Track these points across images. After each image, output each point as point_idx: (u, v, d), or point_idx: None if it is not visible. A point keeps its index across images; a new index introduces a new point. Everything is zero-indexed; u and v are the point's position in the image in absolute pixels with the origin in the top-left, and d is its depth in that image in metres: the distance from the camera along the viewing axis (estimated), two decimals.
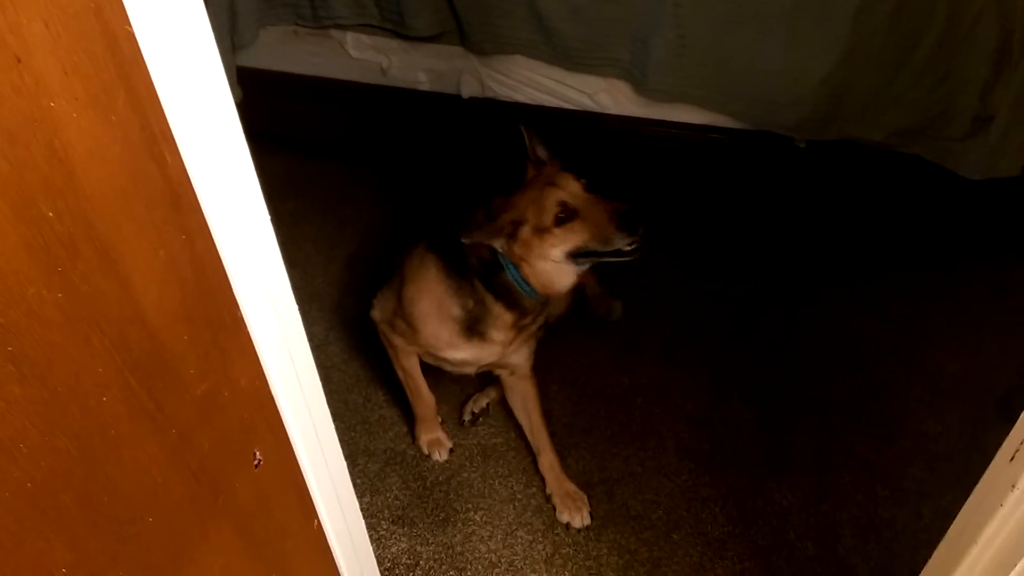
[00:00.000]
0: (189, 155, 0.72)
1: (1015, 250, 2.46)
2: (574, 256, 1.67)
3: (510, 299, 1.76)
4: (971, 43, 2.04)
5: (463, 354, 1.89)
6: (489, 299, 1.77)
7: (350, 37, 2.57)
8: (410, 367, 2.01)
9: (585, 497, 1.94)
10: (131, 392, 0.67)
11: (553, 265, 1.69)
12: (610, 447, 2.08)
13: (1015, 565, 0.80)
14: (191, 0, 0.70)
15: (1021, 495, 0.78)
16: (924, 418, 2.10)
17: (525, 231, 1.65)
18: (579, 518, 1.90)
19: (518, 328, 1.84)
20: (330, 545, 1.18)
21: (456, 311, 1.80)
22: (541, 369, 2.10)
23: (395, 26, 2.46)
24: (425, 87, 2.60)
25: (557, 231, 1.64)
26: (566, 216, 1.64)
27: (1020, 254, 2.43)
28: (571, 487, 1.95)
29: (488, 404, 2.18)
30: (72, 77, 0.57)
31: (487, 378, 2.21)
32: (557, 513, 1.92)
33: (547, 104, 2.49)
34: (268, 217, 0.92)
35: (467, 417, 2.15)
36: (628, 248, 1.64)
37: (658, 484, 1.99)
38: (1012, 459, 0.80)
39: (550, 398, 2.18)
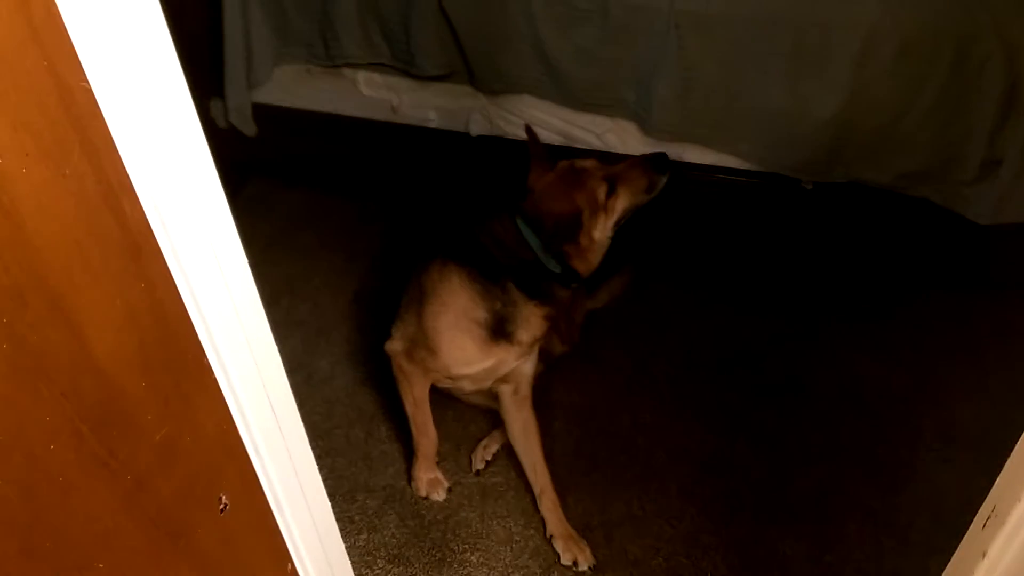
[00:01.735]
0: (150, 205, 0.73)
1: None
2: (617, 222, 1.83)
3: (545, 295, 1.80)
4: (978, 87, 2.03)
5: (485, 364, 1.87)
6: (521, 299, 1.79)
7: (362, 76, 2.61)
8: (421, 398, 1.99)
9: (584, 541, 1.91)
10: (82, 439, 0.68)
11: (603, 241, 1.83)
12: (611, 488, 2.05)
13: None
14: (157, 52, 0.71)
15: (991, 564, 0.76)
16: (933, 467, 2.05)
17: (585, 218, 1.75)
18: (583, 558, 1.87)
19: (547, 320, 1.85)
20: None
21: (482, 315, 1.80)
22: (543, 406, 2.09)
23: (406, 65, 2.50)
24: (435, 125, 2.63)
25: (609, 204, 1.79)
26: (609, 189, 1.78)
27: None
28: (572, 531, 1.93)
29: (499, 449, 2.16)
30: (22, 133, 0.59)
31: (493, 420, 2.20)
32: (561, 556, 1.89)
33: (555, 143, 2.50)
34: (244, 261, 0.93)
35: (480, 465, 2.12)
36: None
37: (659, 529, 1.96)
38: (984, 526, 0.78)
39: (552, 436, 2.16)
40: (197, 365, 0.83)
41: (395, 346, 1.97)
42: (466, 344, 1.84)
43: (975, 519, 0.82)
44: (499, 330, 1.81)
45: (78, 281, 0.66)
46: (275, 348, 1.01)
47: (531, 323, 1.82)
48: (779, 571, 1.86)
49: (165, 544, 0.81)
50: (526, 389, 2.01)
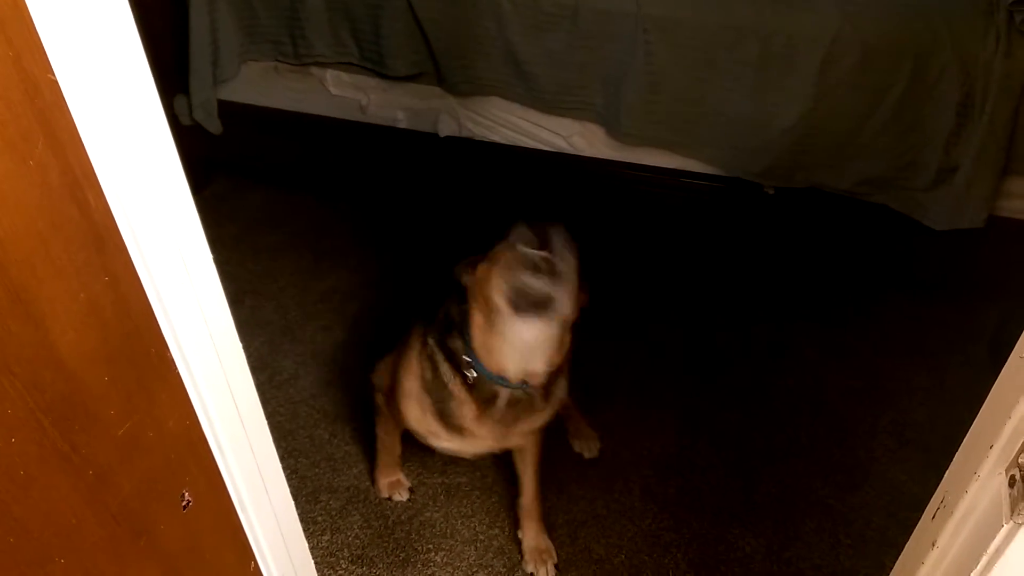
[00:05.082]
0: (114, 198, 0.72)
1: (982, 298, 2.48)
2: (515, 303, 1.41)
3: (485, 394, 1.55)
4: (935, 96, 2.09)
5: (447, 444, 1.72)
6: (445, 369, 1.56)
7: (330, 75, 2.60)
8: (392, 432, 1.94)
9: (554, 552, 1.90)
10: (43, 433, 0.68)
11: (496, 318, 1.44)
12: (576, 489, 2.07)
13: None
14: (123, 45, 0.71)
15: (941, 553, 0.78)
16: (888, 466, 2.10)
17: (481, 267, 1.50)
18: (544, 571, 1.86)
19: (492, 420, 1.58)
20: None
21: (427, 400, 1.64)
22: None
23: (374, 65, 2.50)
24: (403, 125, 2.63)
25: (490, 264, 1.47)
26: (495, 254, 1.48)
27: (987, 302, 2.45)
28: (546, 542, 1.90)
29: None
30: None
31: None
32: (523, 562, 1.89)
33: (523, 145, 2.52)
34: (209, 257, 0.93)
35: None
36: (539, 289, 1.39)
37: (621, 528, 1.98)
38: (934, 517, 0.80)
39: None
40: (160, 360, 0.82)
41: (376, 380, 1.92)
42: (424, 418, 1.69)
43: (926, 511, 0.84)
44: (443, 415, 1.63)
45: (40, 273, 0.65)
46: (239, 345, 1.01)
47: (466, 413, 1.59)
48: (739, 568, 1.89)
49: (126, 540, 0.81)
50: (530, 456, 1.87)
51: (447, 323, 1.58)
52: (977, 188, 2.12)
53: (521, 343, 1.47)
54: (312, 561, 1.40)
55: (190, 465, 0.90)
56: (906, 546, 0.89)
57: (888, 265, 2.52)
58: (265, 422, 1.11)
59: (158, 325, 0.81)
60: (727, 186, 2.41)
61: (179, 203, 0.84)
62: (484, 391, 1.55)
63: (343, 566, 1.90)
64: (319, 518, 2.00)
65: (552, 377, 1.59)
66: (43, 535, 0.70)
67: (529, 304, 1.40)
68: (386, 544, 1.95)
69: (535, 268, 1.38)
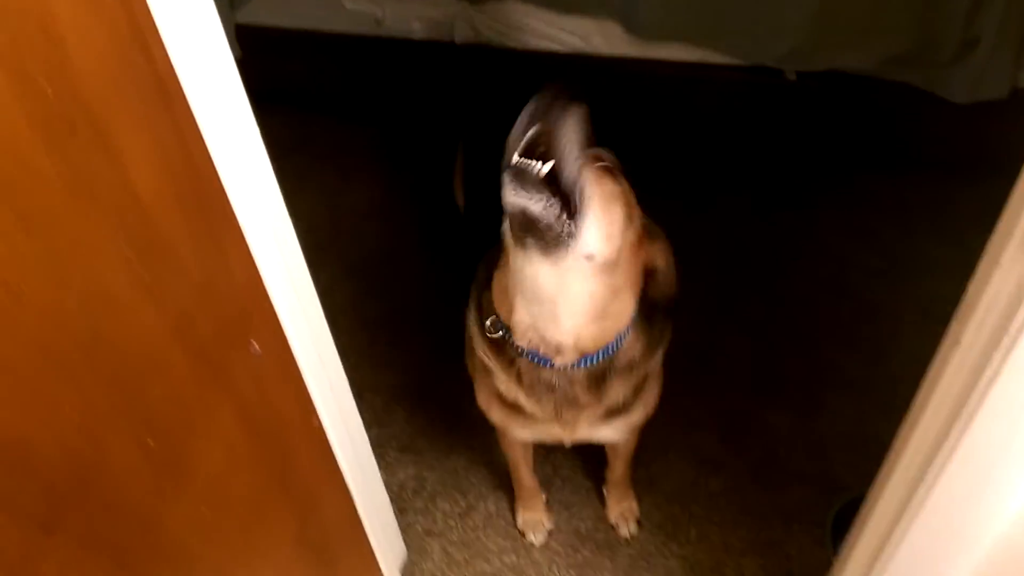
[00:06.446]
0: (175, 52, 0.77)
1: (1007, 174, 2.47)
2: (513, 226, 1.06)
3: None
4: None
5: (516, 428, 1.44)
6: (475, 331, 1.27)
7: None
8: (510, 444, 1.69)
9: (637, 509, 1.84)
10: (129, 264, 0.74)
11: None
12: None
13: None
14: None
15: (965, 350, 0.84)
16: (915, 340, 2.12)
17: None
18: (625, 528, 1.82)
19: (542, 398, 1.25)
20: (332, 446, 1.25)
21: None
22: None
23: None
24: (419, 36, 2.63)
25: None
26: None
27: (1012, 178, 2.45)
28: (633, 505, 1.84)
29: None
30: None
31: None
32: (608, 511, 1.83)
33: (541, 48, 2.52)
34: (253, 119, 0.98)
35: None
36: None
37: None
38: (959, 321, 0.85)
39: None
40: (223, 213, 0.88)
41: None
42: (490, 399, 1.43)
43: (951, 320, 0.89)
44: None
45: (118, 115, 0.71)
46: (285, 211, 1.06)
47: (507, 379, 1.30)
48: (767, 438, 1.95)
49: (207, 379, 0.88)
50: (625, 449, 1.70)
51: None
52: (999, 58, 2.10)
53: (525, 285, 1.07)
54: (363, 426, 1.48)
55: (256, 316, 0.97)
56: (933, 359, 0.94)
57: (910, 145, 2.52)
58: (313, 289, 1.17)
59: (219, 178, 0.86)
60: (748, 75, 2.41)
61: (226, 65, 0.88)
62: (506, 356, 1.24)
63: (392, 455, 2.00)
64: (365, 415, 2.06)
65: (603, 366, 1.20)
66: (138, 364, 0.77)
67: (524, 226, 0.98)
68: (431, 435, 2.04)
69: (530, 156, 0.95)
